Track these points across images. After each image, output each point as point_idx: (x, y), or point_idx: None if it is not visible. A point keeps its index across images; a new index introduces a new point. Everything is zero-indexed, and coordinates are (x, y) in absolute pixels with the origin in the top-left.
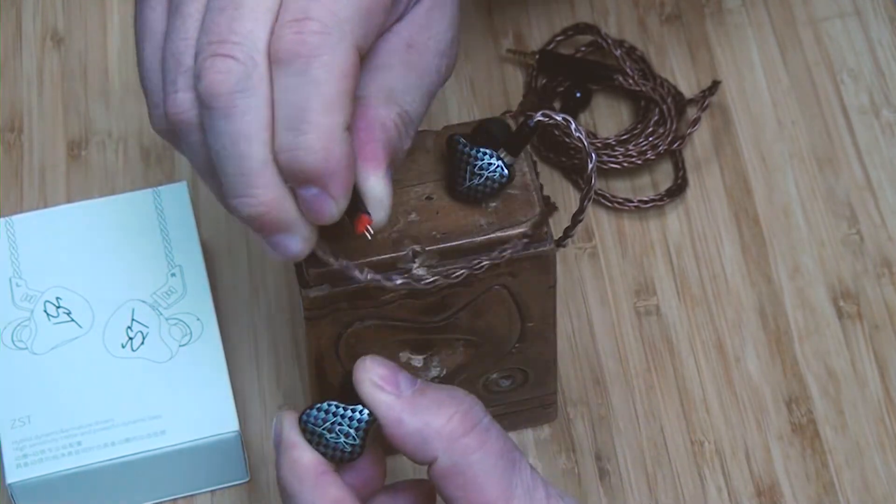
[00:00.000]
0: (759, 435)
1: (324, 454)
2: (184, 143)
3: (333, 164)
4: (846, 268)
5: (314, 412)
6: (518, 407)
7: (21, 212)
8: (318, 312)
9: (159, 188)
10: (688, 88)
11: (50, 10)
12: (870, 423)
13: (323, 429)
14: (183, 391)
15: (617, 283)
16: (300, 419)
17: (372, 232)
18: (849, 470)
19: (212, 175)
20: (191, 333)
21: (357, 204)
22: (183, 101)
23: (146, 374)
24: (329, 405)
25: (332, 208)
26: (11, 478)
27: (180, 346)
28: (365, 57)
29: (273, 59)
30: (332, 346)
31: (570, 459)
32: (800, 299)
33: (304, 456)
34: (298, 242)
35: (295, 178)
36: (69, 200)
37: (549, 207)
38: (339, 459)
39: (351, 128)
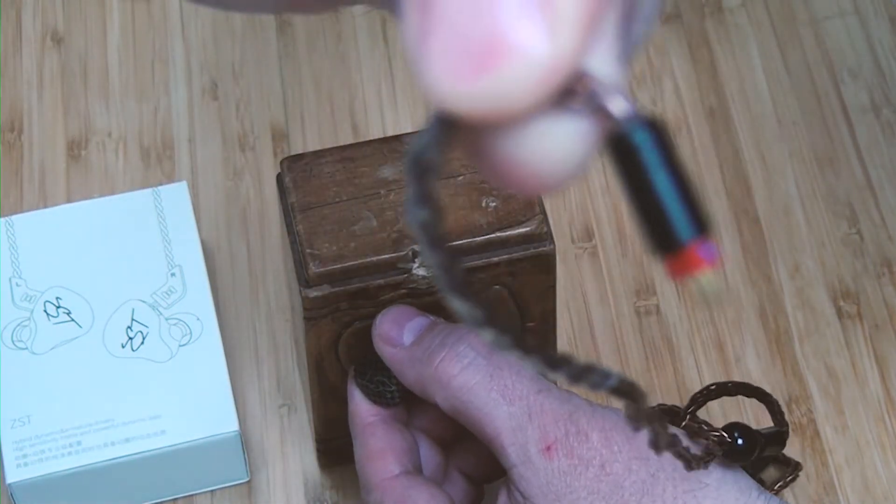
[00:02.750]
0: None
1: (375, 402)
2: None
3: None
4: (846, 268)
5: (360, 365)
6: None
7: (21, 212)
8: (317, 312)
9: (159, 188)
10: (688, 88)
11: (50, 10)
12: (870, 423)
13: (366, 379)
14: (183, 391)
15: (617, 283)
16: (353, 372)
17: (710, 287)
18: (849, 470)
19: None
20: (191, 333)
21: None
22: None
23: (146, 374)
24: (372, 357)
25: (542, 36)
26: (11, 478)
27: (180, 346)
28: None
29: None
30: (332, 346)
31: None
32: (800, 299)
33: (354, 407)
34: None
35: None
36: (69, 200)
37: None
38: (387, 404)
39: None
